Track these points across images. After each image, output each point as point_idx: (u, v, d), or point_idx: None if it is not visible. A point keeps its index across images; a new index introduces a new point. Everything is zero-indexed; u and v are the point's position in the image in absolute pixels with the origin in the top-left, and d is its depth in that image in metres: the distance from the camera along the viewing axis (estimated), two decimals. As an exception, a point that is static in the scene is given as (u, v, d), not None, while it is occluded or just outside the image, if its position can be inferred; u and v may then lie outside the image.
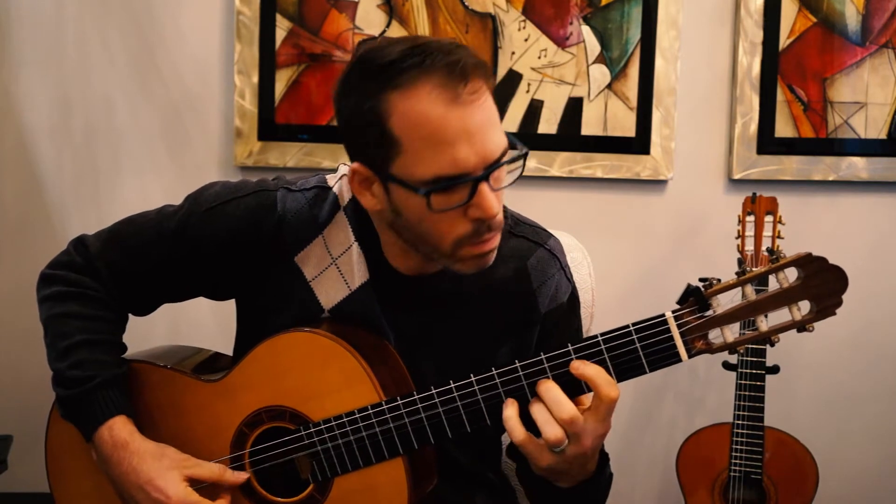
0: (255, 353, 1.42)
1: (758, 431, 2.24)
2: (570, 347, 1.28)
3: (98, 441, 1.42)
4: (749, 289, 1.25)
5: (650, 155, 2.55)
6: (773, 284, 1.26)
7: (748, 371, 2.24)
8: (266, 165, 2.52)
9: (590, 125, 2.54)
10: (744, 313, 1.25)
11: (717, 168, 2.60)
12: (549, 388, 1.27)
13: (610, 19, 2.53)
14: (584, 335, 1.63)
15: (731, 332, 1.26)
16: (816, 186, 2.60)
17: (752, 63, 2.54)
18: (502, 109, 2.52)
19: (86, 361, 1.44)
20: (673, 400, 2.65)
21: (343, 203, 1.45)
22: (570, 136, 2.55)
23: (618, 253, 2.59)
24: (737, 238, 2.28)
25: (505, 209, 1.51)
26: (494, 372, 1.31)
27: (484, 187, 1.27)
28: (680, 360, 1.27)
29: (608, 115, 2.54)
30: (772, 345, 1.27)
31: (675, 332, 1.25)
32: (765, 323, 1.25)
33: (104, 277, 1.49)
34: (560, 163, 2.55)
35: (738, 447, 2.25)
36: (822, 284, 1.23)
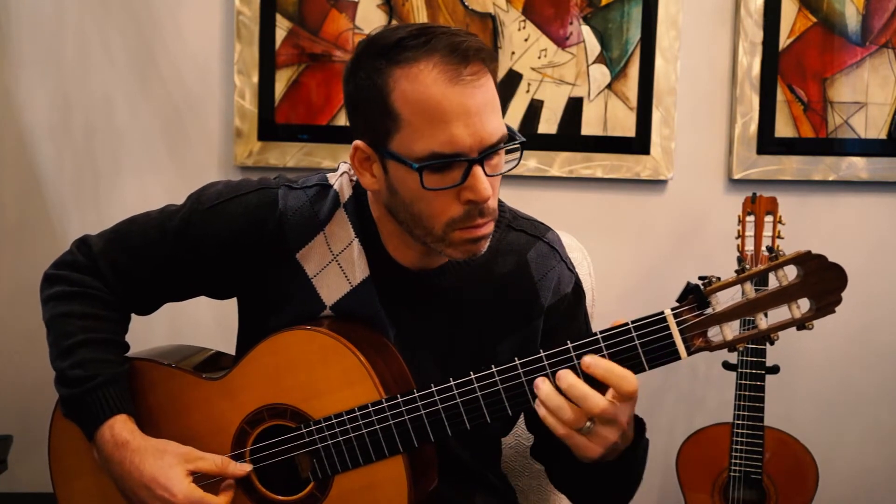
0: (257, 351, 1.43)
1: (758, 431, 2.24)
2: (570, 345, 1.28)
3: (100, 440, 1.43)
4: (748, 287, 1.25)
5: (650, 155, 2.55)
6: (772, 282, 1.26)
7: (748, 371, 2.24)
8: (266, 165, 2.52)
9: (590, 125, 2.55)
10: (743, 311, 1.25)
11: (717, 168, 2.60)
12: (574, 384, 1.25)
13: (610, 19, 2.53)
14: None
15: (731, 330, 1.26)
16: (816, 186, 2.60)
17: (752, 63, 2.54)
18: (502, 109, 2.51)
19: (87, 361, 1.44)
20: (673, 400, 2.65)
21: (343, 200, 1.45)
22: (570, 136, 2.55)
23: (618, 253, 2.59)
24: (737, 238, 2.28)
25: (503, 205, 1.52)
26: (494, 370, 1.31)
27: (478, 170, 1.29)
28: (679, 358, 1.26)
29: (608, 115, 2.54)
30: (771, 343, 1.27)
31: (675, 330, 1.25)
32: (764, 321, 1.25)
33: (107, 277, 1.49)
34: (560, 163, 2.55)
35: (738, 447, 2.25)
36: (822, 282, 1.23)
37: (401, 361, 1.43)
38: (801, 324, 1.24)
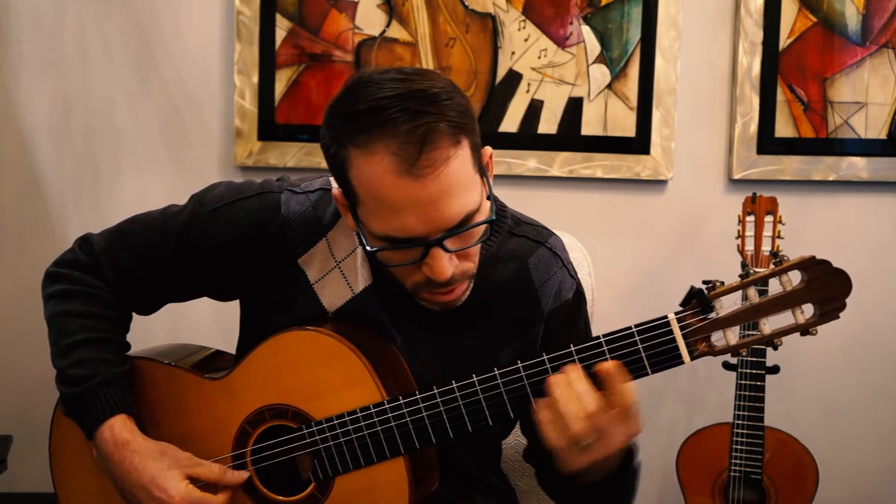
0: (258, 351, 1.43)
1: (758, 431, 2.24)
2: (573, 348, 1.28)
3: (99, 439, 1.43)
4: (752, 291, 1.24)
5: (650, 155, 2.55)
6: (776, 287, 1.25)
7: (748, 371, 2.24)
8: (266, 165, 2.52)
9: (590, 125, 2.55)
10: (747, 316, 1.24)
11: (717, 168, 2.60)
12: (574, 380, 1.24)
13: (610, 19, 2.53)
14: (585, 334, 1.62)
15: (734, 335, 1.26)
16: (816, 186, 2.60)
17: (752, 63, 2.54)
18: (502, 109, 2.52)
19: (87, 360, 1.44)
20: (673, 400, 2.65)
21: None
22: (570, 136, 2.55)
23: (618, 253, 2.59)
24: (737, 238, 2.28)
25: (506, 209, 1.51)
26: (497, 372, 1.31)
27: (436, 252, 1.27)
28: (682, 363, 1.26)
29: (608, 115, 2.54)
30: (774, 348, 1.27)
31: (678, 334, 1.25)
32: (767, 326, 1.25)
33: (108, 276, 1.49)
34: (560, 163, 2.55)
35: (738, 447, 2.25)
36: (826, 288, 1.22)
37: (402, 363, 1.43)
38: (805, 329, 1.24)
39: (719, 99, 2.59)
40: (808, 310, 1.24)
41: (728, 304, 1.24)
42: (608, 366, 1.24)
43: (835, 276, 1.22)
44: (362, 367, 1.36)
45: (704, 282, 1.30)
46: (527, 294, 1.48)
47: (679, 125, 2.56)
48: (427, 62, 2.50)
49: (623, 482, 1.39)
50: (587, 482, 1.35)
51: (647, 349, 1.26)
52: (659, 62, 2.53)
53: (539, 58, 2.53)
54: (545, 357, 1.29)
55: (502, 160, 2.52)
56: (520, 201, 1.64)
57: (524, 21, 2.52)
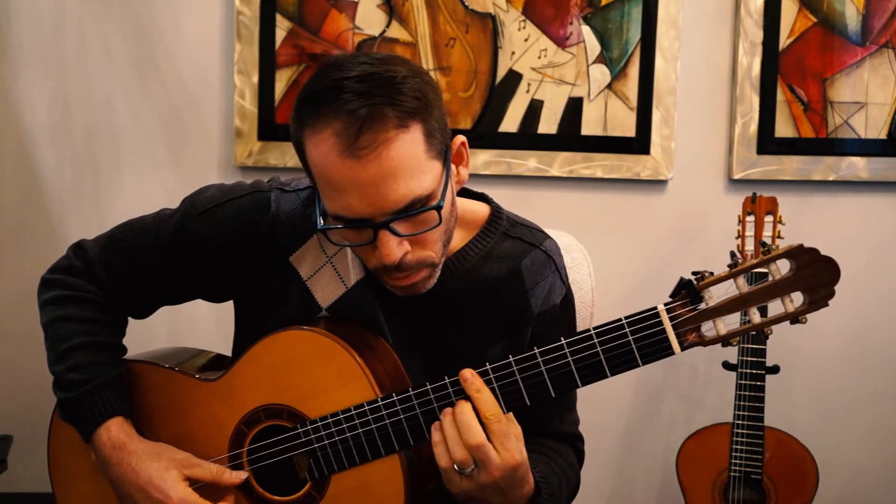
0: (253, 351, 1.43)
1: (758, 431, 2.23)
2: (564, 342, 1.28)
3: (97, 442, 1.43)
4: (741, 281, 1.24)
5: (650, 155, 2.55)
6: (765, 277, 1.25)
7: (748, 371, 2.23)
8: (266, 165, 2.52)
9: (590, 125, 2.54)
10: (736, 305, 1.24)
11: (717, 168, 2.60)
12: (464, 411, 1.28)
13: (610, 19, 2.53)
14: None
15: (724, 325, 1.26)
16: (816, 186, 2.60)
17: (752, 63, 2.54)
18: (502, 109, 2.52)
19: (83, 364, 1.44)
20: (673, 400, 2.65)
21: None
22: (570, 136, 2.55)
23: (618, 253, 2.59)
24: (737, 238, 2.28)
25: (501, 212, 1.51)
26: (489, 367, 1.31)
27: (383, 234, 1.28)
28: (672, 353, 1.26)
29: (608, 115, 2.54)
30: (766, 337, 1.27)
31: (668, 325, 1.25)
32: (757, 315, 1.25)
33: (103, 281, 1.50)
34: (560, 163, 2.55)
35: (738, 447, 2.25)
36: (814, 275, 1.22)
37: (396, 360, 1.43)
38: (795, 317, 1.24)
39: (719, 99, 2.58)
40: (797, 298, 1.24)
41: (717, 295, 1.24)
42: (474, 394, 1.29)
43: (823, 263, 1.22)
44: (356, 365, 1.36)
45: (694, 273, 1.30)
46: (517, 295, 1.48)
47: (679, 125, 2.55)
48: (427, 62, 2.50)
49: None
50: None
51: (637, 341, 1.26)
52: (659, 62, 2.53)
53: (539, 58, 2.53)
54: (537, 351, 1.29)
55: (502, 160, 2.52)
56: (520, 201, 1.65)
57: (524, 21, 2.52)
